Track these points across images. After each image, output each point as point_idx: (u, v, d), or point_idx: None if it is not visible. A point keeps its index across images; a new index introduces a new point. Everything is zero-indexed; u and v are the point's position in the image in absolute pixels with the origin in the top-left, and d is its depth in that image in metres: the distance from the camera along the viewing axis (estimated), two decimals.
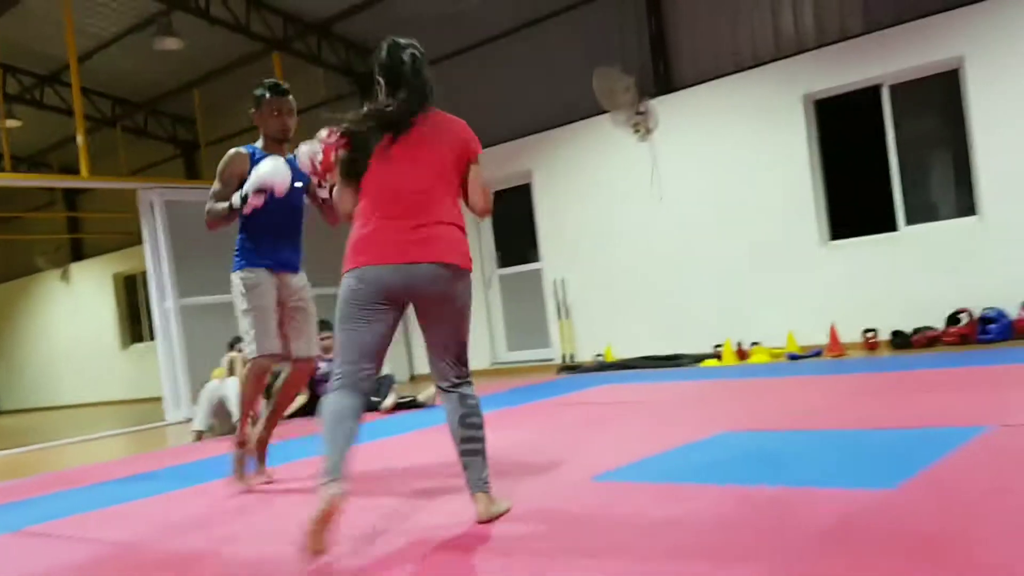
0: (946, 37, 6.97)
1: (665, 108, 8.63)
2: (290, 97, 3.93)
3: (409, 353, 11.06)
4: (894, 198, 7.49)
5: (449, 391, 2.77)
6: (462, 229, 2.79)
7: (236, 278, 3.82)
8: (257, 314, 3.76)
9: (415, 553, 2.44)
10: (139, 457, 6.08)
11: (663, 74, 8.73)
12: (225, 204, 3.73)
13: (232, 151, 3.85)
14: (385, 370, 9.56)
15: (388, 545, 2.56)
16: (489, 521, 2.68)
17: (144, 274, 9.39)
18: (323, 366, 7.19)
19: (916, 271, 7.20)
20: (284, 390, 3.99)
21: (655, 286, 8.71)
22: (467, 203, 2.87)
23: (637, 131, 8.73)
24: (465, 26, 10.29)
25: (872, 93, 7.53)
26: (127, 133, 13.10)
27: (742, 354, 7.76)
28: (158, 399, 9.33)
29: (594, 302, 9.24)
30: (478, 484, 2.72)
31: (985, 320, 6.61)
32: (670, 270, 8.61)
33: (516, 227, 10.18)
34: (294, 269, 3.96)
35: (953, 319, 6.82)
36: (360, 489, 3.62)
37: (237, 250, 3.86)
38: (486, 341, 10.24)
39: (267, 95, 3.87)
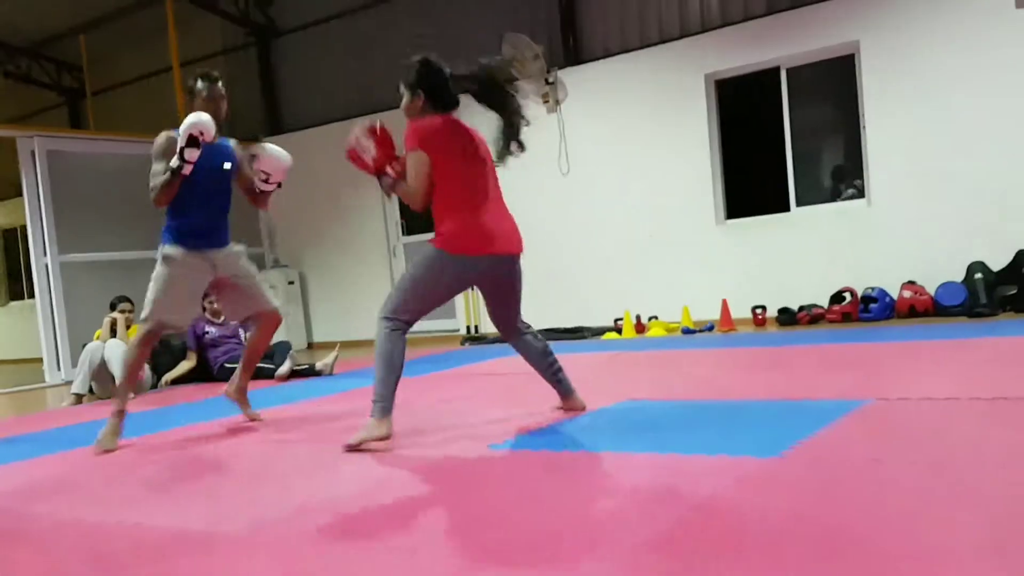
0: (842, 22, 7.21)
1: (573, 80, 8.65)
2: (219, 84, 4.04)
3: (307, 321, 10.83)
4: (788, 180, 7.75)
5: (525, 334, 3.71)
6: None
7: (161, 250, 3.96)
8: (166, 282, 3.89)
9: (306, 522, 2.39)
10: (13, 420, 5.75)
11: (572, 46, 8.74)
12: (164, 174, 3.82)
13: (163, 134, 3.96)
14: (281, 336, 9.33)
15: (274, 513, 2.50)
16: (583, 409, 3.66)
17: (25, 227, 8.85)
18: (212, 330, 6.96)
19: (805, 251, 7.49)
20: (259, 338, 4.24)
21: (560, 259, 8.77)
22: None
23: (546, 101, 8.72)
24: None
25: (771, 75, 7.74)
26: (8, 79, 12.26)
27: (640, 327, 7.92)
28: (39, 360, 8.86)
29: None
30: (570, 389, 3.71)
31: (867, 299, 6.94)
32: (575, 243, 8.68)
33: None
34: (223, 244, 4.08)
35: (837, 298, 7.13)
36: (257, 454, 3.53)
37: (165, 229, 3.99)
38: None
39: (199, 84, 4.01)
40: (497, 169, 3.54)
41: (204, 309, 7.01)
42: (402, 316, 3.38)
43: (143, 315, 3.90)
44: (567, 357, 6.29)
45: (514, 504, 2.42)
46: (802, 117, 7.77)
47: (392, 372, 3.32)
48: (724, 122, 8.07)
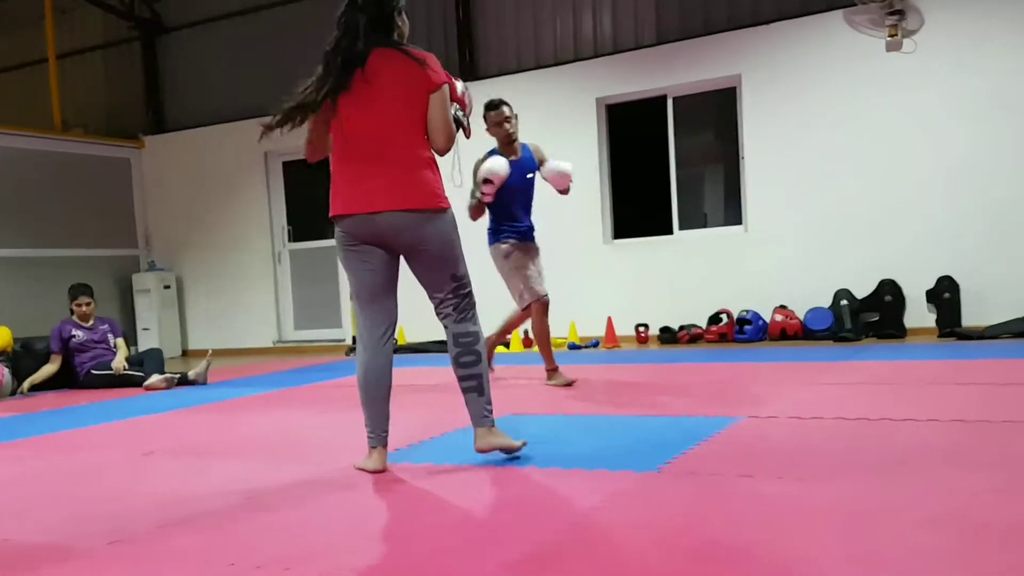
0: (726, 56, 7.52)
1: (471, 94, 8.66)
2: (504, 108, 4.93)
3: (183, 327, 10.38)
4: (672, 204, 8.00)
5: (445, 328, 3.02)
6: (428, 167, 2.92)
7: (496, 249, 5.02)
8: (518, 267, 5.01)
9: (169, 537, 2.26)
10: None
11: (468, 62, 8.77)
12: (473, 200, 4.81)
13: (479, 159, 4.80)
14: (152, 343, 8.94)
15: (136, 527, 2.36)
16: (489, 450, 2.90)
17: None
18: (80, 334, 6.57)
19: (687, 273, 7.74)
20: (537, 323, 5.19)
21: None
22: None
23: None
24: None
25: (659, 103, 7.99)
26: None
27: (528, 342, 7.98)
28: None
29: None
30: (476, 419, 2.92)
31: (742, 321, 7.23)
32: (469, 256, 8.65)
33: (312, 200, 9.83)
34: (533, 239, 5.14)
35: (715, 319, 7.40)
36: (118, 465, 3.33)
37: (491, 231, 5.04)
38: (271, 318, 9.85)
39: (485, 111, 4.95)
40: None
41: (72, 312, 6.62)
42: (358, 322, 2.99)
43: (522, 305, 5.11)
44: (451, 370, 6.28)
45: (388, 518, 2.37)
46: (687, 144, 8.05)
47: (363, 397, 2.91)
48: (614, 145, 8.26)
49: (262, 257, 9.92)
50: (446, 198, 2.96)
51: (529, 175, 5.03)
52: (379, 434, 2.90)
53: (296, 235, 9.93)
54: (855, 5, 6.87)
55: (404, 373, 6.26)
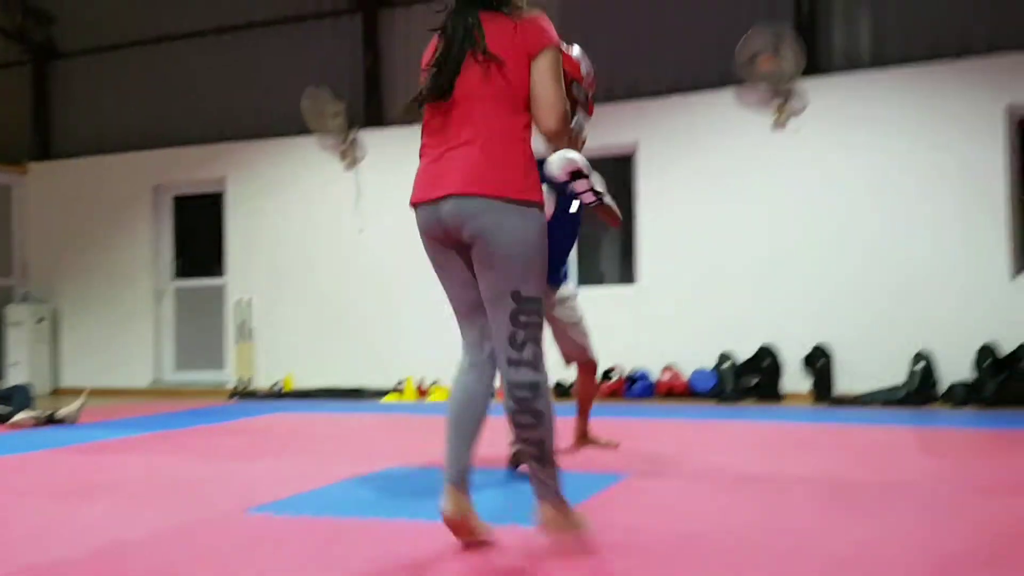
0: (625, 123, 7.81)
1: (375, 141, 8.68)
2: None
3: (56, 363, 9.81)
4: (574, 261, 8.16)
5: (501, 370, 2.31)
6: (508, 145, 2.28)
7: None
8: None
9: None
10: None
11: (375, 107, 8.79)
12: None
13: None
14: (23, 378, 8.40)
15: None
16: (556, 536, 2.33)
17: None
18: None
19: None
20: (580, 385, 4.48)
21: (347, 317, 8.61)
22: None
23: (344, 158, 8.67)
24: (167, 15, 9.69)
25: None
26: None
27: (422, 392, 7.91)
28: None
29: (280, 327, 8.89)
30: (536, 491, 2.37)
31: (632, 379, 7.39)
32: (364, 302, 8.57)
33: (202, 236, 9.56)
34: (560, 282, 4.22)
35: (606, 375, 7.54)
36: None
37: None
38: (150, 358, 9.42)
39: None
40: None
41: None
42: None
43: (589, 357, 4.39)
44: (343, 417, 6.15)
45: (257, 571, 2.28)
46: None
47: (448, 429, 2.50)
48: None
49: (145, 293, 9.52)
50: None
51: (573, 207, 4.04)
52: (450, 471, 2.42)
53: (183, 271, 9.60)
54: (745, 84, 7.28)
55: (284, 419, 6.10)
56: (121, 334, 9.50)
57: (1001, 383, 6.25)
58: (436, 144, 2.43)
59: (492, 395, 2.47)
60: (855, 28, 7.34)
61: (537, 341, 2.34)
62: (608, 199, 3.61)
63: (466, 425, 2.45)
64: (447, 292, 2.51)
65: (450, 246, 2.38)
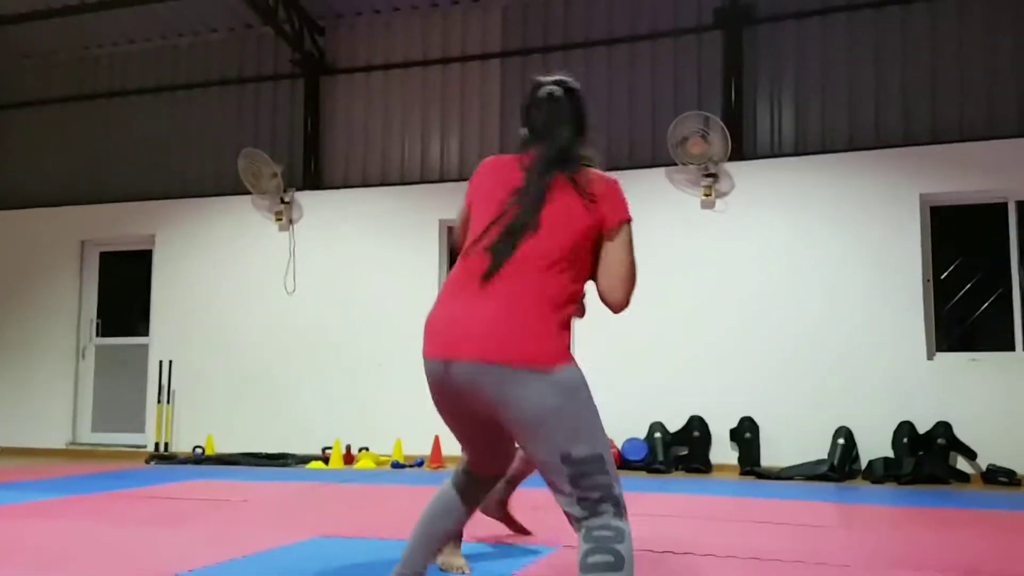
0: None
1: (311, 203, 8.69)
2: None
3: None
4: None
5: (574, 525, 1.97)
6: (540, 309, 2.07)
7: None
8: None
9: None
10: None
11: (312, 171, 8.82)
12: None
13: None
14: None
15: None
16: None
17: None
18: None
19: None
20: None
21: (274, 380, 8.44)
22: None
23: (279, 219, 8.64)
24: (103, 72, 9.67)
25: None
26: None
27: (350, 458, 7.75)
28: None
29: (202, 389, 8.66)
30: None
31: None
32: (292, 366, 8.43)
33: (127, 294, 9.32)
34: None
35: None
36: None
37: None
38: (67, 418, 9.05)
39: None
40: None
41: None
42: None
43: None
44: (265, 485, 5.98)
45: None
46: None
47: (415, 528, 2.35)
48: (454, 263, 8.43)
49: (65, 350, 9.19)
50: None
51: None
52: (402, 569, 2.27)
53: (105, 330, 9.31)
54: (676, 165, 7.56)
55: (204, 485, 5.90)
56: (38, 392, 9.13)
57: (918, 460, 6.46)
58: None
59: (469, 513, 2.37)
60: (779, 118, 7.73)
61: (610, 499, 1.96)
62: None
63: (434, 531, 2.34)
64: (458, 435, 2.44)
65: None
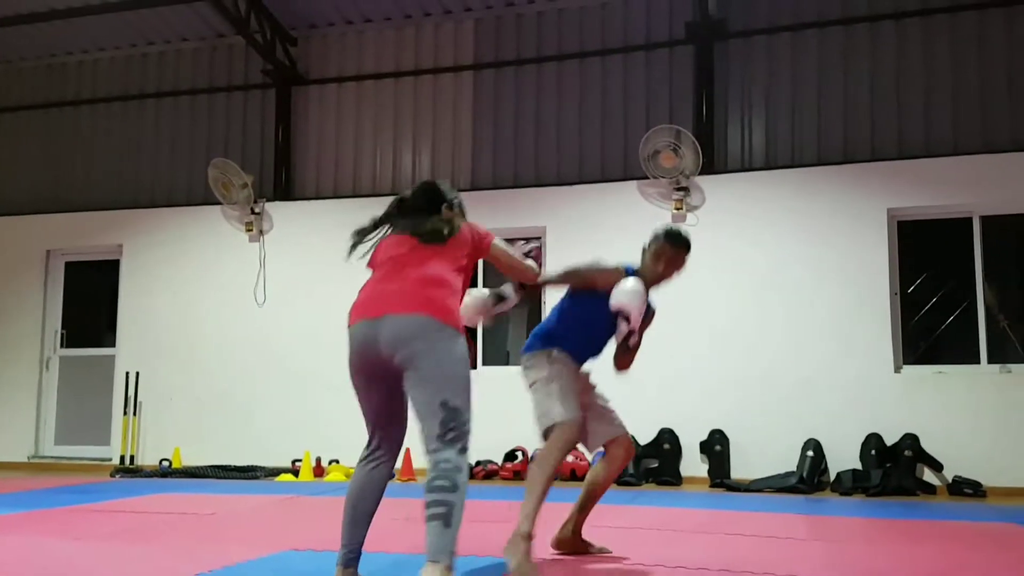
0: (533, 209, 8.01)
1: (282, 214, 8.62)
2: (686, 256, 4.03)
3: None
4: (477, 339, 8.19)
5: (428, 455, 2.69)
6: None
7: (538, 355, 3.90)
8: (564, 382, 3.75)
9: None
10: None
11: (283, 182, 8.76)
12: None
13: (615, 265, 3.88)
14: None
15: None
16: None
17: None
18: None
19: (487, 408, 7.80)
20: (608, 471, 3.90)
21: (243, 392, 8.34)
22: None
23: (249, 230, 8.56)
24: (71, 80, 9.57)
25: None
26: None
27: (320, 471, 7.67)
28: None
29: (170, 401, 8.53)
30: (431, 552, 2.53)
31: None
32: (262, 378, 8.34)
33: (93, 305, 9.18)
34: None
35: (510, 455, 7.51)
36: None
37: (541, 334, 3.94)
38: (30, 430, 8.87)
39: (669, 243, 3.98)
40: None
41: None
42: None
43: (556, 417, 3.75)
44: (233, 499, 5.89)
45: None
46: (495, 284, 8.28)
47: (345, 513, 3.04)
48: None
49: (28, 361, 9.02)
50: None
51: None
52: (344, 551, 2.88)
53: (70, 341, 9.15)
54: (648, 178, 7.61)
55: (171, 499, 5.81)
56: (0, 403, 8.94)
57: (885, 472, 6.53)
58: None
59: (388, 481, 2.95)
60: (749, 132, 7.82)
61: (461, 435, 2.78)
62: (635, 342, 3.97)
63: (361, 510, 2.88)
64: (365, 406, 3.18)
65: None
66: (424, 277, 2.86)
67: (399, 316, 2.77)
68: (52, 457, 8.85)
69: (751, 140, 7.80)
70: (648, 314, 3.95)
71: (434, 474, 2.61)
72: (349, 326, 3.00)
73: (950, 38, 7.36)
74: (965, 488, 6.44)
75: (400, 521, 4.91)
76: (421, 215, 3.15)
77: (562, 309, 3.99)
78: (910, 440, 6.71)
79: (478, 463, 7.56)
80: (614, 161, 8.02)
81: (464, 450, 2.68)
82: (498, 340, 8.44)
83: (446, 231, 3.06)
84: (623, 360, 3.99)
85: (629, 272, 3.88)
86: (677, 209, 7.57)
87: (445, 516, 2.55)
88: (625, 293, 3.64)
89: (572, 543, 3.81)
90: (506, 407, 7.77)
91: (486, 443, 7.64)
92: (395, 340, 2.75)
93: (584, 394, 3.89)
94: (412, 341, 2.72)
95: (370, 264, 3.20)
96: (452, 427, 2.67)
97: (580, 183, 7.97)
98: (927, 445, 6.70)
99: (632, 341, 3.85)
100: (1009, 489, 6.46)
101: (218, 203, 8.61)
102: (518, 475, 7.34)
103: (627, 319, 3.65)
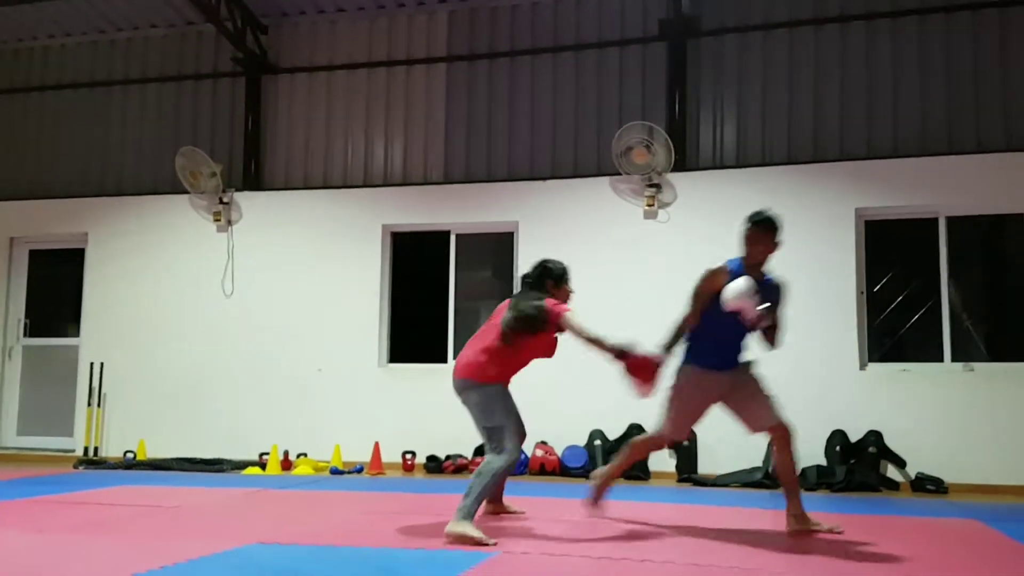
0: (506, 203, 8.00)
1: (251, 204, 8.53)
2: (774, 234, 4.29)
3: None
4: (449, 333, 8.17)
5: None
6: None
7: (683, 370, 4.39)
8: (681, 402, 4.36)
9: None
10: None
11: (253, 172, 8.66)
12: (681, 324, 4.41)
13: (714, 268, 4.25)
14: None
15: None
16: (451, 539, 3.69)
17: None
18: None
19: (457, 402, 7.80)
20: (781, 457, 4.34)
21: (210, 384, 8.25)
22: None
23: (217, 220, 8.46)
24: (37, 65, 9.40)
25: (443, 237, 8.27)
26: None
27: (287, 464, 7.62)
28: None
29: (135, 392, 8.41)
30: (458, 511, 3.79)
31: None
32: (229, 370, 8.24)
33: (57, 294, 9.03)
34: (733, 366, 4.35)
35: (480, 450, 7.49)
36: None
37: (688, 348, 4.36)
38: None
39: (757, 226, 4.28)
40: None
41: None
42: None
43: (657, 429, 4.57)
44: (198, 491, 5.83)
45: None
46: (467, 279, 8.34)
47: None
48: (397, 272, 8.37)
49: None
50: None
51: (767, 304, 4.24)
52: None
53: (33, 330, 8.99)
54: (620, 175, 7.63)
55: (135, 491, 5.73)
56: None
57: (849, 469, 6.62)
58: None
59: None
60: (720, 130, 7.86)
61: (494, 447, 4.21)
62: (774, 321, 4.29)
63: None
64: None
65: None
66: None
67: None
68: (14, 448, 8.69)
69: (722, 138, 7.84)
70: (772, 292, 4.32)
71: (479, 467, 4.04)
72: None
73: (919, 40, 7.45)
74: (928, 484, 6.55)
75: (368, 516, 4.89)
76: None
77: (695, 327, 4.39)
78: (874, 437, 6.80)
79: (448, 457, 7.54)
80: (587, 156, 8.03)
81: (496, 450, 4.12)
82: (469, 335, 8.40)
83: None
84: (771, 340, 4.37)
85: (732, 267, 4.27)
86: (649, 206, 7.60)
87: (466, 490, 3.86)
88: (733, 294, 4.02)
89: (802, 520, 4.22)
90: None
91: (456, 436, 7.66)
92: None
93: (734, 390, 4.32)
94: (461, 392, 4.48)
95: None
96: (491, 439, 4.20)
97: (553, 178, 7.97)
98: (891, 442, 6.80)
99: (765, 324, 4.19)
100: (971, 486, 6.58)
101: (186, 192, 8.50)
102: None
103: (744, 314, 4.03)
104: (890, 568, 3.42)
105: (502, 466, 3.99)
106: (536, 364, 8.39)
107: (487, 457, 4.06)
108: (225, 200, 8.44)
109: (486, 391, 4.28)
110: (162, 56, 9.08)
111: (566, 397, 7.56)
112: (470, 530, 3.71)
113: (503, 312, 4.40)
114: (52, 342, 8.92)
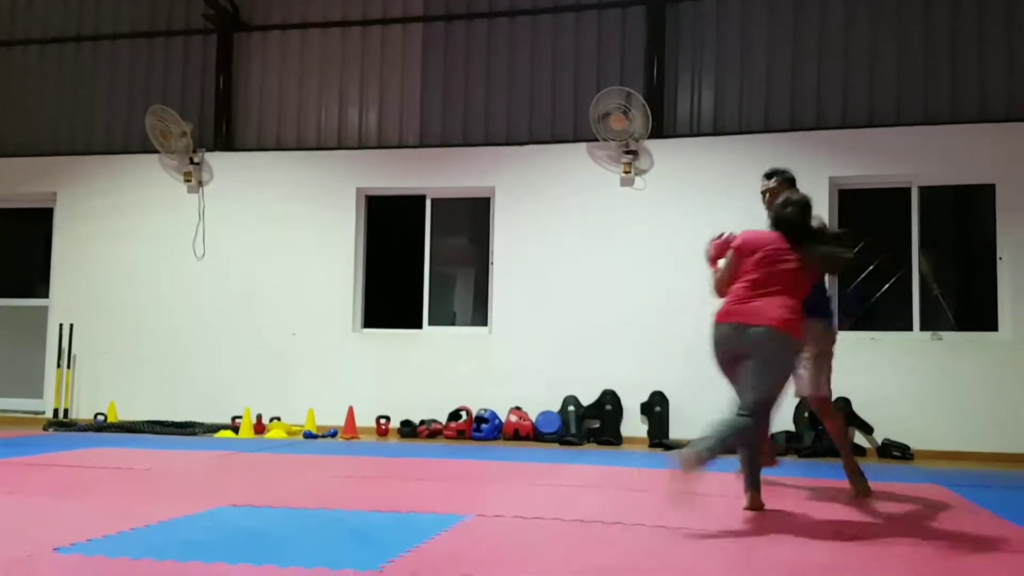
0: (482, 168, 7.94)
1: (222, 165, 8.40)
2: (770, 180, 4.76)
3: None
4: (423, 299, 8.14)
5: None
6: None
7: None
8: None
9: None
10: None
11: (224, 132, 8.51)
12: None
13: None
14: None
15: None
16: (679, 458, 3.59)
17: None
18: None
19: (431, 368, 7.84)
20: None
21: (181, 346, 8.18)
22: None
23: (188, 180, 8.33)
24: (3, 20, 9.19)
25: (418, 202, 8.21)
26: None
27: (260, 428, 7.60)
28: None
29: (105, 354, 8.32)
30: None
31: (480, 420, 7.41)
32: (200, 332, 8.17)
33: (25, 254, 8.87)
34: None
35: (455, 415, 7.52)
36: None
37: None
38: None
39: (786, 181, 4.70)
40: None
41: None
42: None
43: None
44: (169, 454, 5.81)
45: None
46: (442, 245, 8.30)
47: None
48: (372, 236, 8.30)
49: None
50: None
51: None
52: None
53: (1, 291, 8.85)
54: (598, 141, 7.59)
55: (104, 453, 5.70)
56: None
57: (817, 435, 6.72)
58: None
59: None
60: (698, 97, 7.83)
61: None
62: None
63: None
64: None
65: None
66: None
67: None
68: None
69: (700, 105, 7.82)
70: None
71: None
72: None
73: (897, 10, 7.44)
74: (894, 451, 6.67)
75: (341, 479, 4.90)
76: None
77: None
78: (843, 403, 6.89)
79: (422, 422, 7.57)
80: (564, 122, 7.97)
81: (746, 414, 4.01)
82: (445, 300, 8.41)
83: None
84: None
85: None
86: (626, 172, 7.58)
87: (708, 434, 3.75)
88: None
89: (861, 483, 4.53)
90: (451, 367, 7.82)
91: (430, 401, 7.68)
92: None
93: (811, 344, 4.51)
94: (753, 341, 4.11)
95: None
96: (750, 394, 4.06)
97: (530, 143, 7.92)
98: (859, 408, 6.91)
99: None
100: (935, 452, 6.71)
101: (156, 152, 8.35)
102: (462, 434, 7.37)
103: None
104: (854, 531, 3.49)
105: (750, 424, 3.93)
106: (509, 331, 8.45)
107: (733, 415, 3.94)
108: (196, 160, 8.30)
109: (795, 347, 4.01)
110: (132, 11, 8.87)
111: (539, 362, 7.59)
112: (693, 472, 3.57)
113: (782, 257, 4.07)
114: (20, 303, 8.79)
